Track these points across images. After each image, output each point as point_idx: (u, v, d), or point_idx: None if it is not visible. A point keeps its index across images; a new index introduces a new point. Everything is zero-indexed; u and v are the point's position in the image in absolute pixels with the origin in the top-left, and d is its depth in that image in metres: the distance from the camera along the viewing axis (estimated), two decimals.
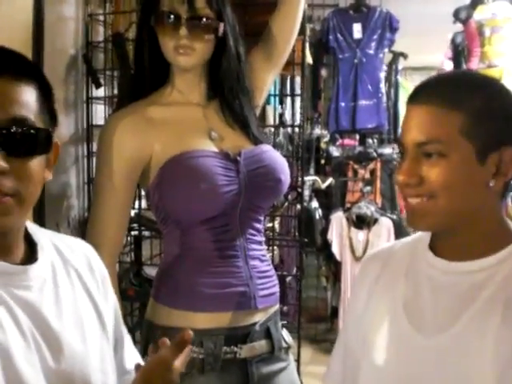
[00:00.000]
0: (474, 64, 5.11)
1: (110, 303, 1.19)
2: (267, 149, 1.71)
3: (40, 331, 0.98)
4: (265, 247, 1.77)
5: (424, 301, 1.13)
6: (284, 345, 1.75)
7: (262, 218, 1.74)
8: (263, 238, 1.75)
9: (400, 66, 5.63)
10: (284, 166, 1.71)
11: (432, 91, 1.10)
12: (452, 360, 1.06)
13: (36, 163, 0.97)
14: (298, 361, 2.56)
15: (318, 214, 4.87)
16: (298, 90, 3.31)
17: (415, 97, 1.11)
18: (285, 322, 1.86)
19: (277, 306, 1.75)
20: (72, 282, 1.11)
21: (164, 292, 1.65)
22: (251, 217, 1.68)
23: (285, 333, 1.78)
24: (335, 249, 4.55)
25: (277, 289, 1.75)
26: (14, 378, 0.91)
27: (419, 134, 1.07)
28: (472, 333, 1.05)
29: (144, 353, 1.64)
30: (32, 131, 0.95)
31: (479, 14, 4.95)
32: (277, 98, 3.45)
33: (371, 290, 1.25)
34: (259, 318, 1.67)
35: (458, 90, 1.09)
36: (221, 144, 1.65)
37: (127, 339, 1.26)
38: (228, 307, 1.62)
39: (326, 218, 4.77)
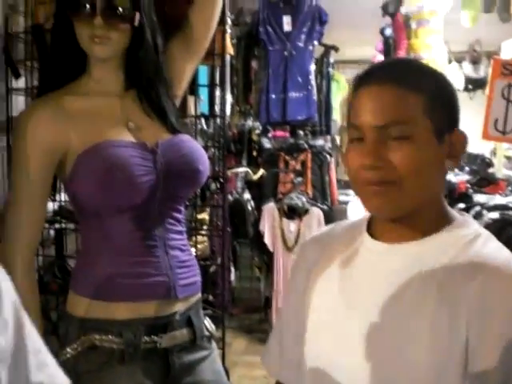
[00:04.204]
0: (402, 56, 5.22)
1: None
2: (185, 139, 1.71)
3: None
4: (185, 237, 1.77)
5: (363, 284, 1.13)
6: (206, 333, 1.77)
7: (181, 208, 1.74)
8: (184, 228, 1.76)
9: (332, 59, 5.70)
10: (202, 156, 1.72)
11: (389, 73, 1.09)
12: (391, 342, 1.05)
13: None
14: (222, 349, 2.58)
15: (250, 205, 4.90)
16: (227, 81, 3.33)
17: (370, 79, 1.09)
18: (209, 312, 1.87)
19: (198, 295, 1.76)
20: None
21: (82, 283, 1.64)
22: (170, 207, 1.68)
23: (207, 321, 1.80)
24: (267, 239, 4.59)
25: (198, 278, 1.75)
26: None
27: (382, 116, 1.05)
28: (410, 314, 1.04)
29: (63, 345, 1.64)
30: None
31: (406, 7, 5.06)
32: (205, 89, 3.46)
33: (310, 274, 1.23)
34: (180, 307, 1.68)
35: (414, 73, 1.10)
36: (138, 134, 1.65)
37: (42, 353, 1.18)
38: (147, 297, 1.62)
39: (259, 209, 4.81)
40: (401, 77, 1.07)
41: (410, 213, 1.08)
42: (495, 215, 3.25)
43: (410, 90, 1.05)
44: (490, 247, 1.08)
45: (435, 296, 1.03)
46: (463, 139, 1.11)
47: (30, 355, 1.07)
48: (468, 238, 1.09)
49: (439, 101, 1.08)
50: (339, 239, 1.24)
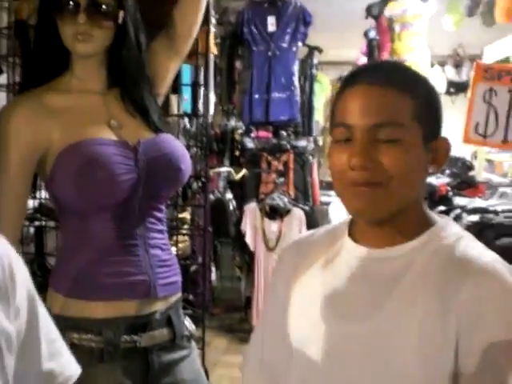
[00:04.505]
0: (385, 59, 5.23)
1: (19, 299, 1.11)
2: (168, 138, 1.71)
3: None
4: (166, 236, 1.77)
5: (346, 289, 1.11)
6: (186, 333, 1.76)
7: (162, 207, 1.74)
8: (165, 227, 1.75)
9: (316, 60, 5.71)
10: (184, 155, 1.71)
11: (380, 74, 1.08)
12: (377, 346, 1.03)
13: None
14: (202, 349, 2.58)
15: (232, 205, 4.91)
16: (210, 80, 3.33)
17: (361, 78, 1.07)
18: (189, 312, 1.87)
19: (179, 295, 1.76)
20: None
21: (61, 281, 1.63)
22: (151, 206, 1.68)
23: (187, 321, 1.80)
24: (249, 239, 4.60)
25: (178, 277, 1.75)
26: None
27: (374, 116, 1.04)
28: (396, 319, 1.03)
29: None
30: None
31: (390, 11, 5.08)
32: (189, 88, 3.47)
33: (290, 280, 1.21)
34: (160, 306, 1.67)
35: (404, 76, 1.10)
36: (120, 132, 1.64)
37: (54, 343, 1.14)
38: (127, 296, 1.62)
39: (241, 208, 4.81)
40: (392, 78, 1.07)
41: (393, 216, 1.08)
42: (475, 218, 3.27)
43: (402, 92, 1.05)
44: (474, 249, 1.07)
45: (423, 303, 1.01)
46: (447, 146, 1.12)
47: (43, 344, 1.07)
48: (451, 239, 1.09)
49: (428, 107, 1.08)
50: (320, 243, 1.22)
